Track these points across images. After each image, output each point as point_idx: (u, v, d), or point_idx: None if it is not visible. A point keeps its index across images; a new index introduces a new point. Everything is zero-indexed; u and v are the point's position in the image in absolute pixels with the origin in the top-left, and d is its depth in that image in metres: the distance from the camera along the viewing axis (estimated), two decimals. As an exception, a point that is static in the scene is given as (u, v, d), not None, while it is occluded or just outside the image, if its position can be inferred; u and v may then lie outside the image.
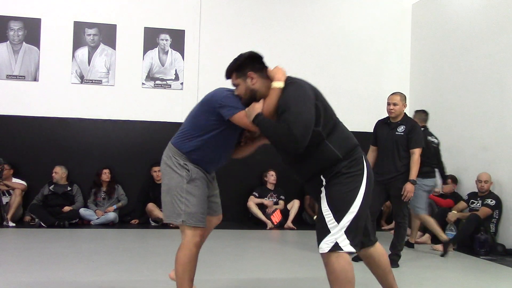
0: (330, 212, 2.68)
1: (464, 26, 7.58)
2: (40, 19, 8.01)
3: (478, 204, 6.42)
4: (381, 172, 5.12)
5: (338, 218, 2.66)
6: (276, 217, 7.80)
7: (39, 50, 7.98)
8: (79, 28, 8.13)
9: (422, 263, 5.44)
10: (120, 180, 7.95)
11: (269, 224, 7.64)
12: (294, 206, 7.92)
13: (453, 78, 7.79)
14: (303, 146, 2.64)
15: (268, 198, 8.05)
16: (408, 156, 5.03)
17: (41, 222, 6.99)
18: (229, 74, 2.97)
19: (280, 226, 7.68)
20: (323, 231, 2.67)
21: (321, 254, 2.69)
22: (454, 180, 7.21)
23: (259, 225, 7.70)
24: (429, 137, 6.21)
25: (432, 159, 6.14)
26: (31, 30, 7.97)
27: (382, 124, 5.30)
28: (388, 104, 5.16)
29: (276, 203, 8.02)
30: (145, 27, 8.26)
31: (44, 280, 3.99)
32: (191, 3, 8.46)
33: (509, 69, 6.58)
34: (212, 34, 8.49)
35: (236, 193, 7.87)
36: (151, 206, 7.57)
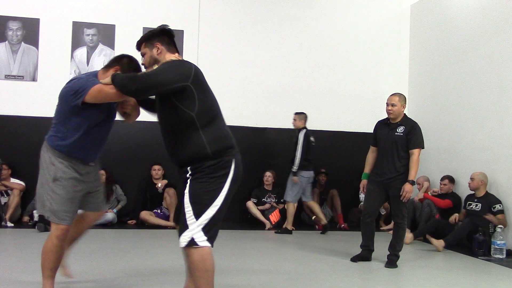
0: (190, 208, 2.79)
1: (463, 26, 7.59)
2: (38, 19, 8.00)
3: (477, 207, 6.40)
4: (381, 172, 5.14)
5: (197, 215, 2.77)
6: (275, 217, 7.81)
7: (38, 50, 7.98)
8: (78, 28, 8.12)
9: (420, 263, 5.45)
10: (118, 180, 7.93)
11: (268, 224, 7.65)
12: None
13: (451, 78, 7.80)
14: (131, 95, 2.96)
15: (266, 199, 8.07)
16: (408, 157, 5.04)
17: (46, 226, 6.37)
18: (139, 44, 3.11)
19: (278, 226, 7.68)
20: (183, 226, 2.79)
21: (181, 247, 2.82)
22: (451, 180, 7.22)
23: (258, 225, 7.71)
24: (311, 137, 7.32)
25: (310, 155, 7.27)
26: (30, 30, 7.96)
27: (382, 125, 5.31)
28: (387, 105, 5.18)
29: (276, 203, 8.04)
30: (144, 27, 8.23)
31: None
32: (190, 3, 8.46)
33: (508, 70, 6.59)
34: (211, 34, 8.49)
35: (235, 194, 7.85)
36: (144, 214, 7.55)
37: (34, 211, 7.18)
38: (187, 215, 2.78)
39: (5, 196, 7.39)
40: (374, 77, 8.97)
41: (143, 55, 3.08)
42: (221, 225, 2.89)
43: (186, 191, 2.83)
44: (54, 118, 3.31)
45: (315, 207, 7.62)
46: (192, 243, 2.76)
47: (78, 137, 3.22)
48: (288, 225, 7.37)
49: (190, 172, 2.85)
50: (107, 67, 3.32)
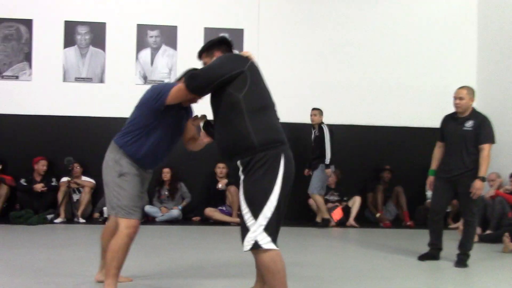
0: (248, 209, 2.69)
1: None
2: (105, 23, 8.31)
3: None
4: (448, 168, 4.95)
5: (255, 215, 2.67)
6: (337, 215, 7.72)
7: (105, 52, 8.28)
8: (142, 30, 8.36)
9: (493, 264, 5.20)
10: (183, 177, 8.10)
11: (332, 221, 7.58)
12: (355, 203, 7.81)
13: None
14: (196, 92, 2.95)
15: (330, 196, 7.99)
16: (477, 152, 4.82)
17: None
18: (200, 54, 3.18)
19: (342, 224, 7.59)
20: (244, 229, 2.69)
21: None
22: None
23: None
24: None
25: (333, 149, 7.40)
26: (97, 34, 8.28)
27: (449, 119, 5.11)
28: (454, 98, 4.97)
29: (339, 201, 7.95)
30: (205, 28, 8.37)
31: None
32: (250, 2, 8.51)
33: None
34: (271, 33, 8.50)
35: (297, 191, 7.84)
36: (209, 211, 7.68)
37: (104, 208, 7.47)
38: (245, 217, 2.70)
39: (77, 193, 7.74)
40: (440, 71, 8.67)
41: (204, 64, 3.14)
42: (281, 224, 2.79)
43: (241, 192, 2.75)
44: (128, 122, 3.37)
45: (320, 201, 7.57)
46: (256, 245, 2.66)
47: (147, 143, 3.28)
48: (324, 214, 7.48)
49: (241, 169, 2.77)
50: (180, 78, 3.43)
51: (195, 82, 2.88)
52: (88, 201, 7.66)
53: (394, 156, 8.37)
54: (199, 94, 3.03)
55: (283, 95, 8.47)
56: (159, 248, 5.47)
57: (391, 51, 8.65)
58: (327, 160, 7.32)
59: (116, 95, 8.17)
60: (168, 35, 8.41)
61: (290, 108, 7.85)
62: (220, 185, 7.83)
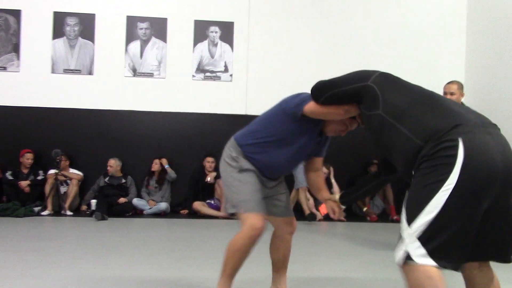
0: (404, 214, 2.11)
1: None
2: (94, 14, 8.25)
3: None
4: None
5: (409, 220, 2.05)
6: (324, 209, 7.75)
7: (94, 44, 8.23)
8: (132, 22, 8.32)
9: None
10: (173, 171, 8.11)
11: (318, 216, 7.62)
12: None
13: (511, 66, 7.48)
14: (321, 100, 2.58)
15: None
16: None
17: (104, 215, 6.89)
18: None
19: (329, 217, 7.63)
20: (399, 236, 2.13)
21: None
22: None
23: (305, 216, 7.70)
24: None
25: None
26: (86, 25, 8.22)
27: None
28: (445, 93, 5.00)
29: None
30: (195, 20, 8.34)
31: (101, 266, 4.12)
32: (240, -5, 8.50)
33: None
34: (261, 26, 8.50)
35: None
36: (197, 205, 7.69)
37: (92, 200, 7.46)
38: (401, 224, 2.11)
39: (64, 185, 7.70)
40: (429, 66, 8.72)
41: None
42: (457, 240, 2.00)
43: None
44: (253, 123, 2.97)
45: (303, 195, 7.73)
46: (407, 257, 2.02)
47: (267, 150, 2.85)
48: (313, 208, 7.62)
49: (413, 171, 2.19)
50: None
51: (316, 91, 2.61)
52: (75, 194, 7.63)
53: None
54: (321, 102, 2.61)
55: (273, 89, 8.52)
56: (148, 240, 5.48)
57: (381, 46, 8.69)
58: None
59: (105, 88, 8.14)
60: (158, 28, 8.37)
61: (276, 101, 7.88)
62: (209, 178, 7.84)
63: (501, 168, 1.99)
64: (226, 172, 2.90)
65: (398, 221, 7.73)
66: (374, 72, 2.46)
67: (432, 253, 1.97)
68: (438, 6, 8.86)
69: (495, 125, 2.19)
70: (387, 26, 8.73)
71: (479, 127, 2.07)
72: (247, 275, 3.48)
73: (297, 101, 2.75)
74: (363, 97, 2.39)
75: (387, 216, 8.03)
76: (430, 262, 1.97)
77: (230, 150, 2.91)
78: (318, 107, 2.63)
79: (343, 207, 2.97)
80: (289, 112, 2.77)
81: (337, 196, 2.95)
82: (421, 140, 2.10)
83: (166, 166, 7.99)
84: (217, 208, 7.72)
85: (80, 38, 8.21)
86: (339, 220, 7.64)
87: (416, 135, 2.13)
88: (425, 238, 1.98)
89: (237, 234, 2.77)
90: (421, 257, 1.98)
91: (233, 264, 2.79)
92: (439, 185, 1.98)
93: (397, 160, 2.30)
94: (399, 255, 2.06)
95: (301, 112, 2.70)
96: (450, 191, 1.96)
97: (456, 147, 1.99)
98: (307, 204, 7.62)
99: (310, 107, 2.66)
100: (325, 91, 2.55)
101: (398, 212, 7.96)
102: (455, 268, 2.01)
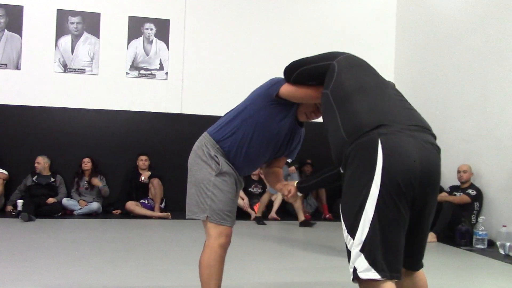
0: (343, 223, 2.06)
1: (448, 19, 7.64)
2: (22, 6, 7.90)
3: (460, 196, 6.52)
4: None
5: (351, 230, 2.00)
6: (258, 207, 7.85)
7: (21, 38, 7.88)
8: (62, 16, 8.03)
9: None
10: (103, 170, 7.89)
11: (253, 215, 7.69)
12: (278, 197, 7.96)
13: (436, 71, 7.86)
14: (291, 78, 2.58)
15: (253, 189, 8.10)
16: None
17: (31, 216, 6.56)
18: None
19: (264, 216, 7.72)
20: (347, 251, 2.04)
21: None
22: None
23: (242, 216, 7.73)
24: None
25: None
26: (13, 17, 7.85)
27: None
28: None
29: (261, 194, 8.07)
30: (129, 16, 8.17)
31: (26, 269, 3.96)
32: (176, -8, 8.42)
33: (492, 62, 6.65)
34: (197, 24, 8.46)
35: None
36: (130, 205, 7.53)
37: (18, 201, 7.13)
38: (344, 235, 2.03)
39: (-12, 185, 7.32)
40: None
41: None
42: (396, 249, 1.95)
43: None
44: (226, 115, 2.81)
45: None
46: (355, 275, 1.95)
47: (245, 138, 2.69)
48: (248, 208, 7.84)
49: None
50: None
51: (286, 71, 2.63)
52: (0, 194, 7.27)
53: (315, 151, 8.60)
54: (292, 80, 2.61)
55: (208, 88, 8.50)
56: (78, 241, 5.31)
57: (312, 47, 8.85)
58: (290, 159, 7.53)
59: (33, 83, 7.81)
60: (91, 22, 8.13)
61: (216, 102, 7.88)
62: (143, 178, 7.69)
63: (418, 172, 1.94)
64: (201, 172, 2.67)
65: (331, 219, 7.94)
66: (344, 53, 2.43)
67: (375, 265, 1.91)
68: (368, 12, 9.16)
69: (426, 129, 2.15)
70: (315, 32, 8.89)
71: (404, 130, 2.00)
72: None
73: (272, 83, 2.74)
74: (326, 76, 2.33)
75: (320, 215, 8.20)
76: (375, 275, 1.90)
77: (206, 147, 2.70)
78: (293, 87, 2.61)
79: (300, 194, 2.96)
80: (263, 95, 2.72)
81: (295, 182, 2.99)
82: (346, 133, 2.06)
83: (101, 186, 7.65)
84: (151, 208, 7.59)
85: (6, 31, 7.82)
86: (274, 219, 7.74)
87: (344, 126, 2.08)
88: (367, 251, 1.92)
89: (206, 248, 2.63)
90: (366, 271, 1.92)
91: (215, 281, 2.62)
92: (366, 192, 1.94)
93: (332, 149, 2.23)
94: (350, 272, 1.98)
95: (275, 92, 2.66)
96: (376, 199, 1.92)
97: (375, 149, 1.93)
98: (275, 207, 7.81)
99: (285, 87, 2.64)
100: (295, 69, 2.55)
101: (331, 211, 8.17)
102: (398, 277, 1.95)
